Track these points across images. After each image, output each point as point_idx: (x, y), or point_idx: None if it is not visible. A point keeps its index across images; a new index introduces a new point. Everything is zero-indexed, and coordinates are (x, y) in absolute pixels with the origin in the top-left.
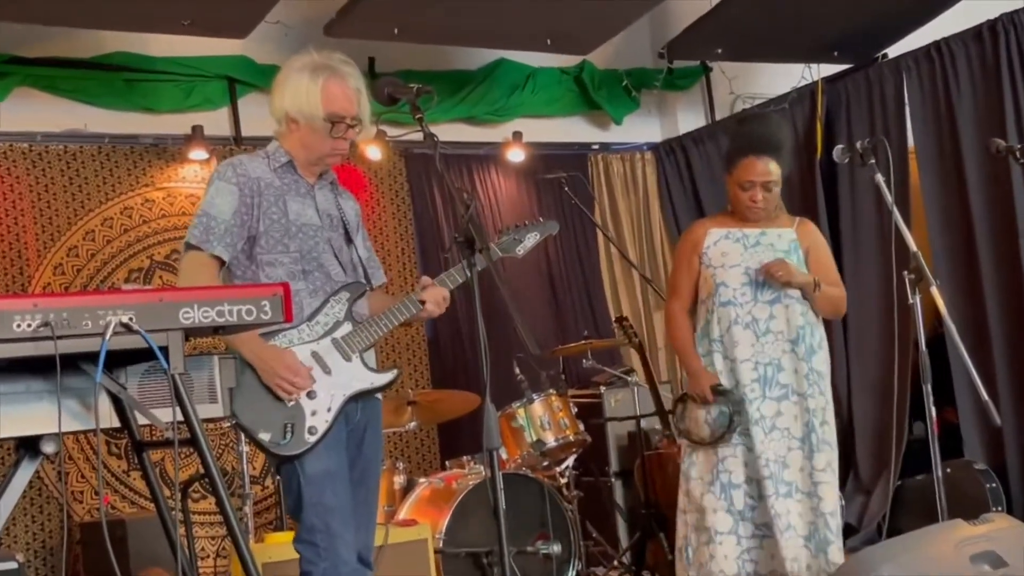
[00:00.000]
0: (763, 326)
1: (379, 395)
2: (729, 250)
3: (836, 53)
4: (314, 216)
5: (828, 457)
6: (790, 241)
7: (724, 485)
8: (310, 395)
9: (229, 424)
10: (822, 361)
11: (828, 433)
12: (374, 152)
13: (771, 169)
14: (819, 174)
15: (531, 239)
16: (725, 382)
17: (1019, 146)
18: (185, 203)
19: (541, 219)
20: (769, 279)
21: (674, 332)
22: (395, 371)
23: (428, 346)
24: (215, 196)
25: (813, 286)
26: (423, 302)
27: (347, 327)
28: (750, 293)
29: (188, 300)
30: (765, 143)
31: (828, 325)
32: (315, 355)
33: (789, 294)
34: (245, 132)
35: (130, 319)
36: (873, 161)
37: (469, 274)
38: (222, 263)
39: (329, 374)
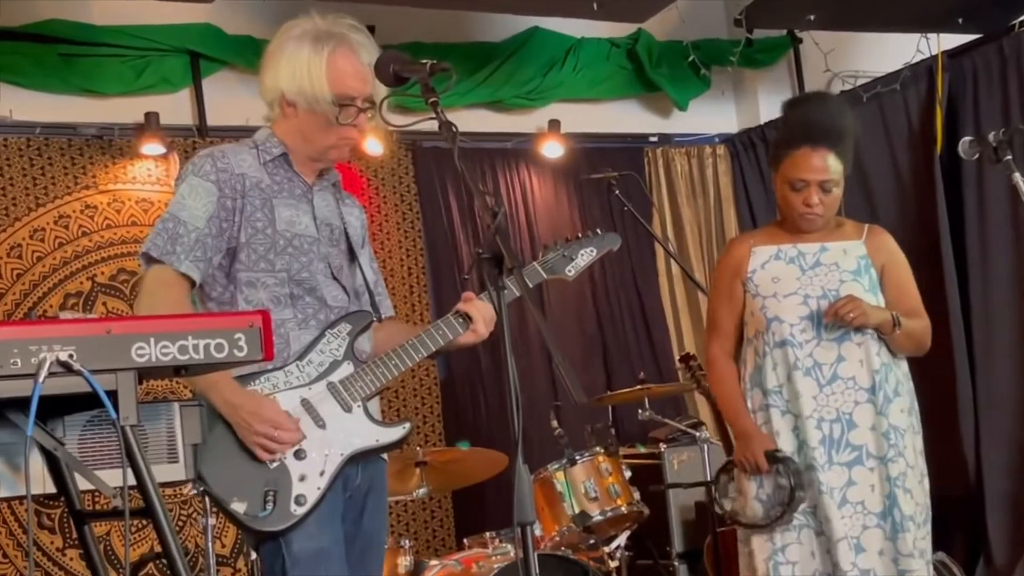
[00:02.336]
0: (828, 372)
1: (384, 455)
2: (781, 274)
3: (961, 20)
4: (309, 225)
5: (917, 537)
6: (858, 257)
7: None
8: (298, 454)
9: (194, 490)
10: (900, 411)
11: (917, 506)
12: (374, 146)
13: (829, 164)
14: (939, 172)
15: (585, 256)
16: (786, 446)
17: None
18: (135, 210)
19: (598, 231)
20: (839, 323)
21: (717, 382)
22: (406, 424)
23: (441, 390)
24: (186, 196)
25: (892, 324)
26: (468, 317)
27: (347, 368)
28: (811, 329)
29: (142, 332)
30: (822, 130)
31: (947, 360)
32: (306, 404)
33: (862, 330)
34: (211, 120)
35: (70, 356)
36: (1009, 157)
37: (497, 303)
38: (194, 283)
39: (323, 428)
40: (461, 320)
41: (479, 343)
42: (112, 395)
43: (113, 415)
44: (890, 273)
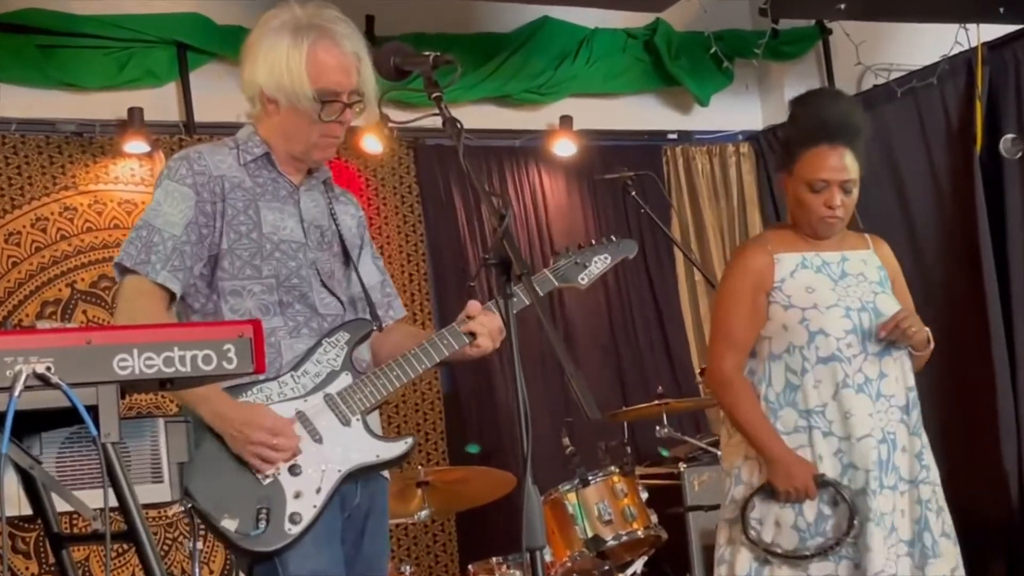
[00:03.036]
0: (874, 388)
1: (385, 473)
2: (815, 284)
3: (1003, 9)
4: (295, 229)
5: (952, 565)
6: (877, 268)
7: None
8: (293, 470)
9: (181, 507)
10: (923, 429)
11: (947, 530)
12: (372, 143)
13: (847, 164)
14: (978, 172)
15: (599, 264)
16: (829, 471)
17: None
18: (118, 212)
19: (613, 237)
20: (897, 339)
21: (738, 402)
22: (409, 439)
23: (444, 405)
24: (162, 202)
25: (927, 340)
26: (472, 334)
27: (345, 379)
28: (857, 343)
29: (125, 343)
30: (840, 127)
31: (987, 372)
32: (301, 416)
33: (898, 345)
34: (199, 116)
35: (47, 368)
36: None
37: (505, 312)
38: (174, 295)
39: (320, 442)
40: (459, 335)
41: (486, 356)
42: (92, 410)
43: (93, 431)
44: (899, 284)
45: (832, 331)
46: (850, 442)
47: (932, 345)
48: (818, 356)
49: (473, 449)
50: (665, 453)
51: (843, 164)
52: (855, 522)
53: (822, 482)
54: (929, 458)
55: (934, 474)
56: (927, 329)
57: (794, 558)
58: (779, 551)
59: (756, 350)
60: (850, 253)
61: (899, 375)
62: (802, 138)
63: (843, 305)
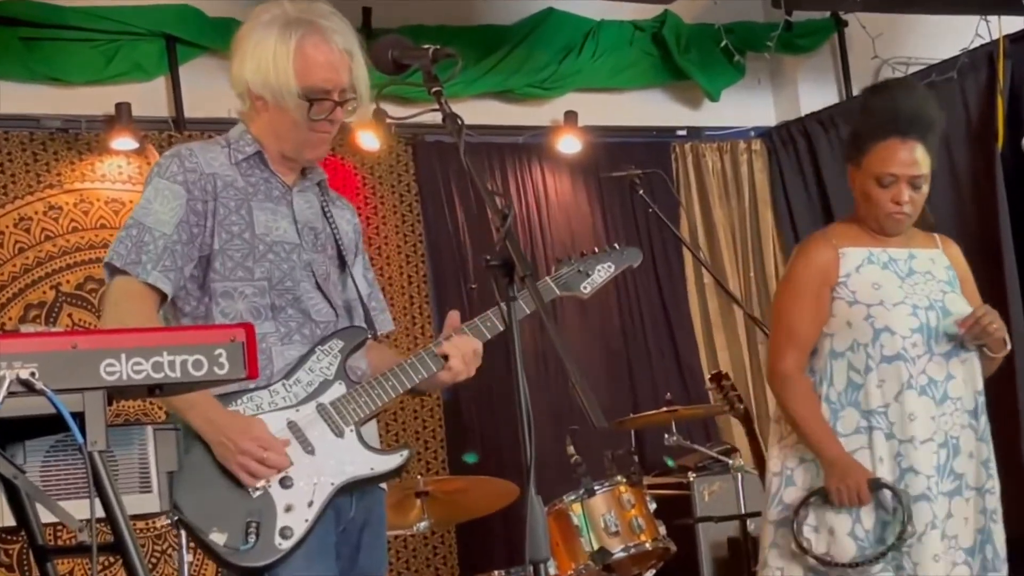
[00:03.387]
0: (940, 390)
1: (382, 485)
2: (882, 280)
3: None
4: (288, 230)
5: None
6: (945, 268)
7: None
8: (284, 483)
9: (168, 521)
10: (991, 437)
11: (1004, 546)
12: (369, 140)
13: (918, 158)
14: (1000, 170)
15: (602, 272)
16: (887, 474)
17: None
18: (105, 211)
19: (616, 245)
20: (977, 336)
21: (797, 401)
22: (405, 451)
23: (444, 412)
24: (152, 200)
25: (1004, 342)
26: (445, 357)
27: (339, 389)
28: (922, 343)
29: (112, 348)
30: (913, 120)
31: (1009, 376)
32: (293, 427)
33: (967, 347)
34: (189, 112)
35: (31, 374)
36: None
37: (507, 315)
38: (164, 296)
39: (312, 454)
40: (440, 359)
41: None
42: (79, 417)
43: (80, 439)
44: (968, 286)
45: (898, 329)
46: (911, 445)
47: (1009, 348)
48: (883, 354)
49: (471, 458)
50: (671, 463)
51: (914, 159)
52: (907, 529)
53: (877, 485)
54: (994, 468)
55: (998, 485)
56: (1005, 330)
57: (845, 566)
58: (833, 560)
59: (817, 347)
60: (918, 251)
61: (968, 378)
62: (873, 130)
63: (910, 303)
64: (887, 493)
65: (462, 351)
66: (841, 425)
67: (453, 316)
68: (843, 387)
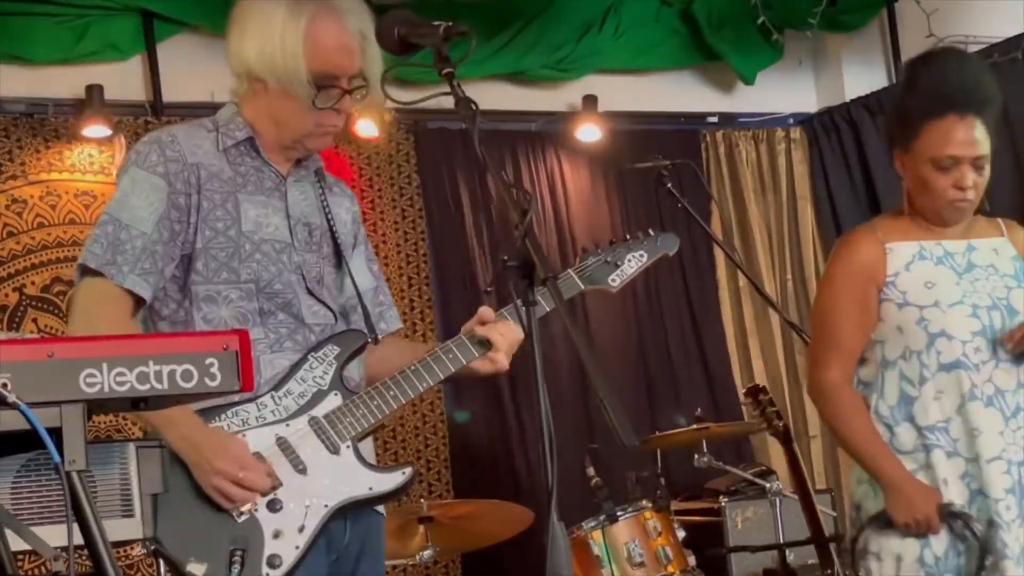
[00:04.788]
0: (1011, 401)
1: (380, 508)
2: (936, 278)
3: None
4: (280, 227)
5: None
6: (1012, 259)
7: None
8: (273, 506)
9: (142, 550)
10: None
11: None
12: (367, 127)
13: (978, 137)
14: None
15: (633, 263)
16: (956, 497)
17: None
18: (74, 205)
19: (651, 231)
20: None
21: (844, 416)
22: (408, 469)
23: (449, 429)
24: (129, 193)
25: None
26: (486, 343)
27: (334, 400)
28: (986, 349)
29: (93, 357)
30: (971, 94)
31: None
32: (283, 443)
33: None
34: (168, 95)
35: (3, 385)
36: None
37: (527, 323)
38: (141, 301)
39: (304, 473)
40: (478, 344)
41: (472, 380)
42: (55, 433)
43: (56, 458)
44: None
45: (956, 333)
46: (978, 464)
47: None
48: (939, 363)
49: (462, 417)
50: None
51: (974, 137)
52: (987, 559)
53: (949, 513)
54: None
55: None
56: None
57: None
58: None
59: (866, 356)
60: (978, 241)
61: None
62: (926, 107)
63: (969, 302)
64: (959, 521)
65: (508, 340)
66: (897, 443)
67: (485, 309)
68: (895, 400)
